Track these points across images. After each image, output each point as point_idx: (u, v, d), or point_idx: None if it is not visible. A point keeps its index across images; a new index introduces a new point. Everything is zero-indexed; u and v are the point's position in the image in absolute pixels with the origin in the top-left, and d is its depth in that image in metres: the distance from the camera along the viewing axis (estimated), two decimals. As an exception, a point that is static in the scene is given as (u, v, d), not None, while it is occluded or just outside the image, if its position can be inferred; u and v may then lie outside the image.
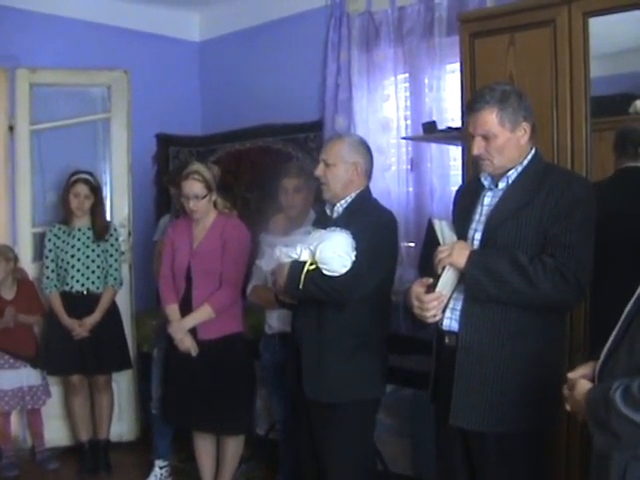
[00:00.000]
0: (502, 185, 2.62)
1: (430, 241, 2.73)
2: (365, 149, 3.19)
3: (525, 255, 2.45)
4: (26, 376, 4.60)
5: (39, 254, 4.83)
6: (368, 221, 3.05)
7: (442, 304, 2.59)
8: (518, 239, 2.50)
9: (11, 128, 4.90)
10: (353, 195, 3.14)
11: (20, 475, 4.52)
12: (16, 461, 4.61)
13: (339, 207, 3.15)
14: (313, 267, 2.95)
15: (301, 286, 2.96)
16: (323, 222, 3.16)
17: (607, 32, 3.15)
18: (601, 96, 3.21)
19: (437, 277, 2.57)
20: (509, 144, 2.55)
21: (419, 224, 4.43)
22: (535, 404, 2.50)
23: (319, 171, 3.15)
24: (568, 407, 2.10)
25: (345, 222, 3.05)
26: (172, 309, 3.88)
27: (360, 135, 3.48)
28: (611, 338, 2.04)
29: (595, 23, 3.10)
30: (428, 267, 2.65)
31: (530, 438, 2.55)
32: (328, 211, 3.21)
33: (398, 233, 3.22)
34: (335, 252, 2.91)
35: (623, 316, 2.04)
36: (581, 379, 2.06)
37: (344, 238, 2.95)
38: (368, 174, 3.20)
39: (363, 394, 3.09)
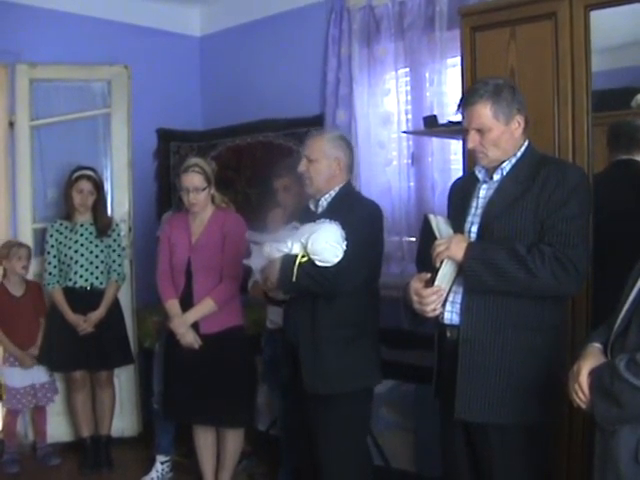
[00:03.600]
0: (497, 177, 2.64)
1: (426, 236, 2.74)
2: (345, 144, 3.24)
3: (523, 245, 2.46)
4: (37, 374, 4.63)
5: (40, 250, 4.82)
6: (354, 213, 3.09)
7: (441, 298, 2.60)
8: (515, 230, 2.51)
9: (11, 124, 4.90)
10: (337, 189, 3.19)
11: (21, 471, 4.52)
12: (18, 457, 4.62)
13: (323, 202, 3.20)
14: (305, 259, 2.98)
15: (294, 279, 2.98)
16: (307, 218, 3.19)
17: (608, 25, 3.14)
18: (602, 90, 3.20)
19: (435, 271, 2.57)
20: (503, 137, 2.57)
21: (420, 218, 4.38)
22: (537, 395, 2.51)
23: (302, 167, 3.20)
24: (575, 398, 2.13)
25: (330, 216, 3.08)
26: (172, 304, 3.88)
27: (340, 131, 3.51)
28: (618, 320, 2.10)
29: (596, 16, 3.09)
30: (425, 262, 2.65)
31: (532, 429, 2.56)
32: (312, 206, 3.25)
33: (384, 224, 3.24)
34: (327, 242, 2.94)
35: (629, 301, 2.09)
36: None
37: (334, 228, 2.99)
38: (349, 169, 3.26)
39: (361, 383, 3.14)
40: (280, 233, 3.15)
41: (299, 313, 3.15)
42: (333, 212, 3.11)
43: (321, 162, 3.15)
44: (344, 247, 2.97)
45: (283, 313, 3.34)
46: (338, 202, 3.16)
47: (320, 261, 2.96)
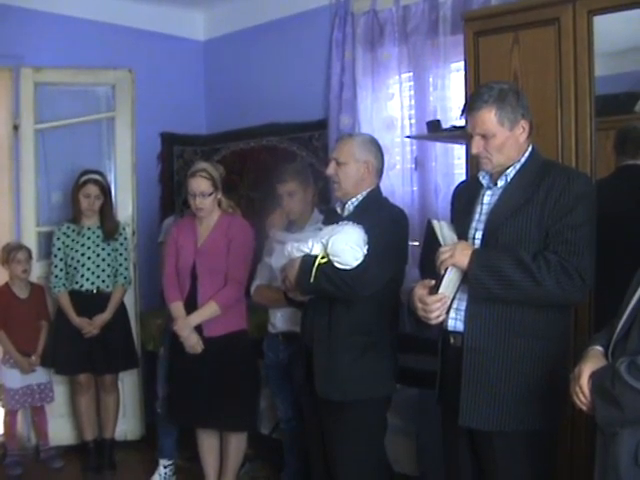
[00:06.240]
0: (501, 183, 2.62)
1: (430, 242, 2.72)
2: (376, 148, 3.19)
3: (528, 253, 2.45)
4: (35, 375, 4.64)
5: (43, 253, 4.85)
6: (380, 218, 3.05)
7: (445, 305, 2.59)
8: (519, 237, 2.50)
9: (15, 127, 4.92)
10: (364, 193, 3.14)
11: (24, 474, 4.53)
12: (20, 459, 4.63)
13: (350, 205, 3.15)
14: (325, 260, 2.95)
15: (312, 279, 2.94)
16: (333, 220, 3.16)
17: (612, 30, 3.14)
18: (606, 95, 3.20)
19: (440, 278, 2.56)
20: (508, 142, 2.56)
21: (423, 223, 4.38)
22: (541, 402, 2.51)
23: (330, 169, 3.15)
24: (576, 400, 2.14)
25: (356, 220, 3.04)
26: (177, 306, 3.88)
27: (371, 134, 3.48)
28: (620, 325, 2.10)
29: (600, 21, 3.09)
30: (429, 268, 2.64)
31: (536, 435, 2.55)
32: (338, 209, 3.22)
33: (409, 231, 3.20)
34: (347, 244, 2.90)
35: (631, 306, 2.09)
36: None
37: (356, 231, 2.95)
38: (379, 173, 3.21)
39: (375, 392, 3.09)
40: (303, 233, 3.13)
41: (316, 316, 3.11)
42: (359, 216, 3.07)
43: (350, 165, 3.11)
44: (365, 251, 2.93)
45: (301, 315, 3.31)
46: (364, 206, 3.12)
47: (339, 263, 2.92)
